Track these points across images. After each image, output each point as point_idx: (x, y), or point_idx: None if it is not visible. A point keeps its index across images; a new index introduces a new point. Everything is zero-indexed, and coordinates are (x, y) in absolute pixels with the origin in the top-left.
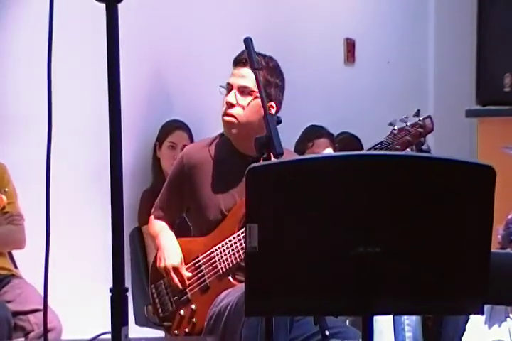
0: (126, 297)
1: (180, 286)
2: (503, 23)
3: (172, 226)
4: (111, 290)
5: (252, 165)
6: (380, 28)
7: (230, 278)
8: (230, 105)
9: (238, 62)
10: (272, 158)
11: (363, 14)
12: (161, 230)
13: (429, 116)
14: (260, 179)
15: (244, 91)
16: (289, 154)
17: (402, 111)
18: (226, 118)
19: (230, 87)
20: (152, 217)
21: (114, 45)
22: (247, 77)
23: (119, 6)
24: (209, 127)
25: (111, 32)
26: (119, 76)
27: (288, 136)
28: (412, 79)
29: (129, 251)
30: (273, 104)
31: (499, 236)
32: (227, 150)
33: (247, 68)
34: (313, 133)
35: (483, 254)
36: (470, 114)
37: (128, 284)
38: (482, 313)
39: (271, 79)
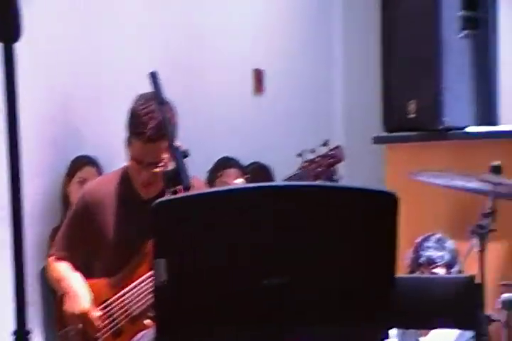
0: (28, 340)
1: (93, 334)
2: (407, 50)
3: (76, 268)
4: (14, 332)
5: (159, 200)
6: (288, 57)
7: (145, 319)
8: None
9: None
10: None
11: (271, 44)
12: (65, 272)
13: (338, 146)
14: (167, 213)
15: None
16: (200, 184)
17: (312, 140)
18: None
19: None
20: (52, 259)
21: (12, 84)
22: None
23: (24, 37)
24: (119, 162)
25: (9, 71)
26: (17, 112)
27: (200, 168)
28: (321, 108)
29: (38, 291)
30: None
31: (408, 261)
32: (131, 187)
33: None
34: (223, 164)
35: (388, 280)
36: (377, 140)
37: (38, 326)
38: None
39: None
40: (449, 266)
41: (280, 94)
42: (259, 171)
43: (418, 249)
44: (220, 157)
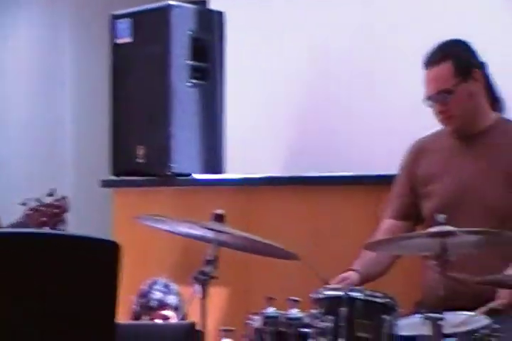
0: None
1: None
2: (137, 95)
3: None
4: None
5: None
6: (19, 100)
7: None
8: None
9: None
10: None
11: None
12: None
13: (64, 197)
14: None
15: None
16: None
17: (41, 184)
18: None
19: None
20: None
21: None
22: None
23: None
24: None
25: None
26: None
27: None
28: (50, 151)
29: None
30: None
31: (135, 306)
32: None
33: None
34: None
35: (110, 327)
36: (105, 184)
37: None
38: None
39: None
40: (176, 309)
41: (6, 138)
42: None
43: (146, 293)
44: None
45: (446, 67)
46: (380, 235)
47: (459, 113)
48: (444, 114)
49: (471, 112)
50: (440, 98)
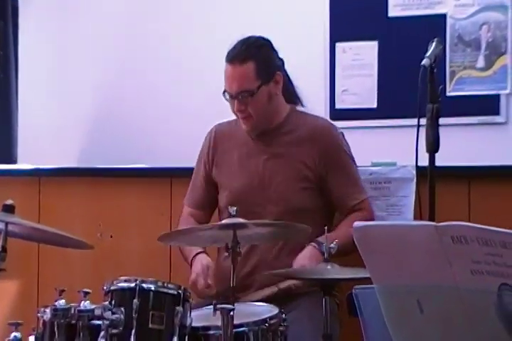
0: None
1: None
2: None
3: None
4: None
5: None
6: None
7: None
8: None
9: None
10: None
11: None
12: None
13: None
14: None
15: None
16: None
17: None
18: None
19: None
20: None
21: None
22: None
23: None
24: None
25: None
26: None
27: None
28: None
29: None
30: None
31: None
32: None
33: None
34: None
35: None
36: None
37: None
38: None
39: None
40: None
41: None
42: None
43: None
44: None
45: (249, 69)
46: (180, 224)
47: (256, 114)
48: (242, 113)
49: (268, 113)
50: (240, 98)
